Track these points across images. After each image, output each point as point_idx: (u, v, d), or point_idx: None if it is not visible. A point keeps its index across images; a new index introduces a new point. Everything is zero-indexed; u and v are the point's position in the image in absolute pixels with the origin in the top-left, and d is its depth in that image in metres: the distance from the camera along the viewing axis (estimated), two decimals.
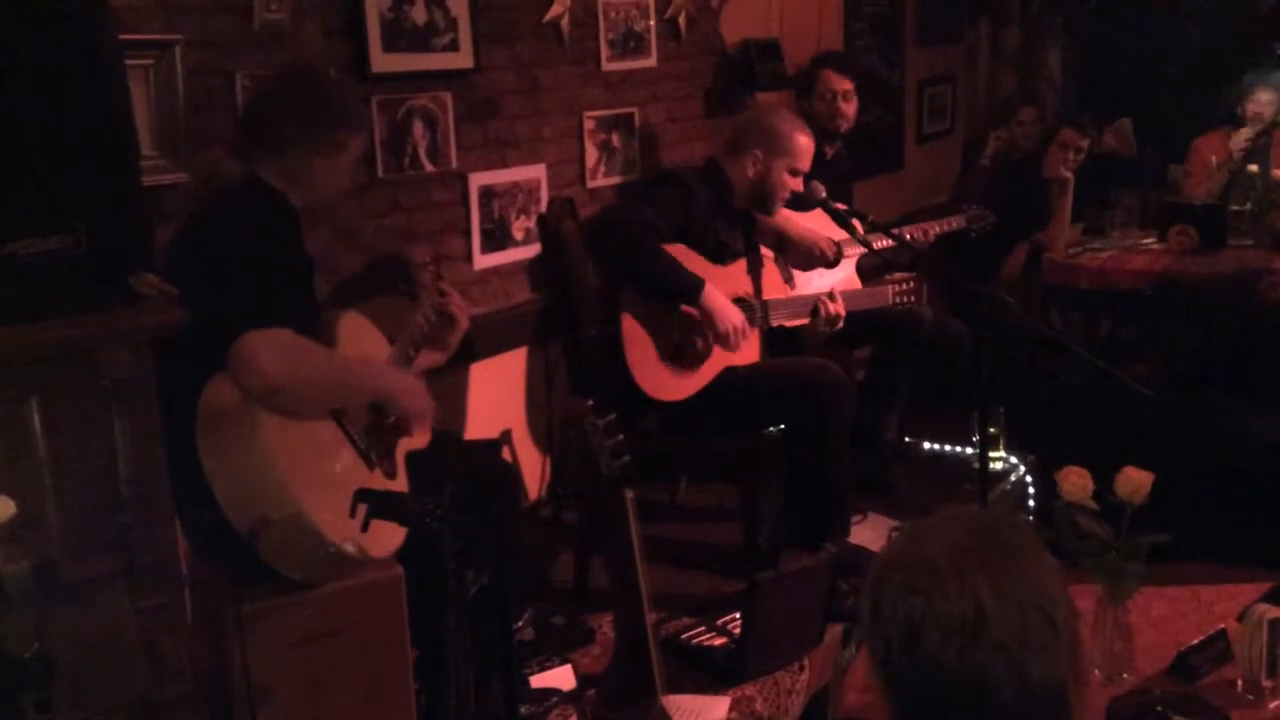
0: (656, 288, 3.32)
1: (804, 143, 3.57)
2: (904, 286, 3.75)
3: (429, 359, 2.83)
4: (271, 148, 2.53)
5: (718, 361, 3.40)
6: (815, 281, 3.85)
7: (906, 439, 4.35)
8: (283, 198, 2.55)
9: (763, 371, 3.45)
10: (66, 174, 1.99)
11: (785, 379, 3.38)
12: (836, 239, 3.88)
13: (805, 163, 3.58)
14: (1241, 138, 5.35)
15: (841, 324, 3.56)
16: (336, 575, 2.38)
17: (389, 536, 2.38)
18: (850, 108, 4.31)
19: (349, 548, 2.26)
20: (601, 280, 3.51)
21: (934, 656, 1.19)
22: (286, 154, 2.53)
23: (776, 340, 3.62)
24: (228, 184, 2.64)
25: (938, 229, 4.20)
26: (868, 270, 4.09)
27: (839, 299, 3.55)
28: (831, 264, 3.83)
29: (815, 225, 3.86)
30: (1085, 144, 5.14)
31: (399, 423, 2.61)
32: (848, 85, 4.29)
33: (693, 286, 3.30)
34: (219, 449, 2.26)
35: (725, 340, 3.33)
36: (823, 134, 4.23)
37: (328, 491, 2.29)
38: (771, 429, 3.50)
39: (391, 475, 2.54)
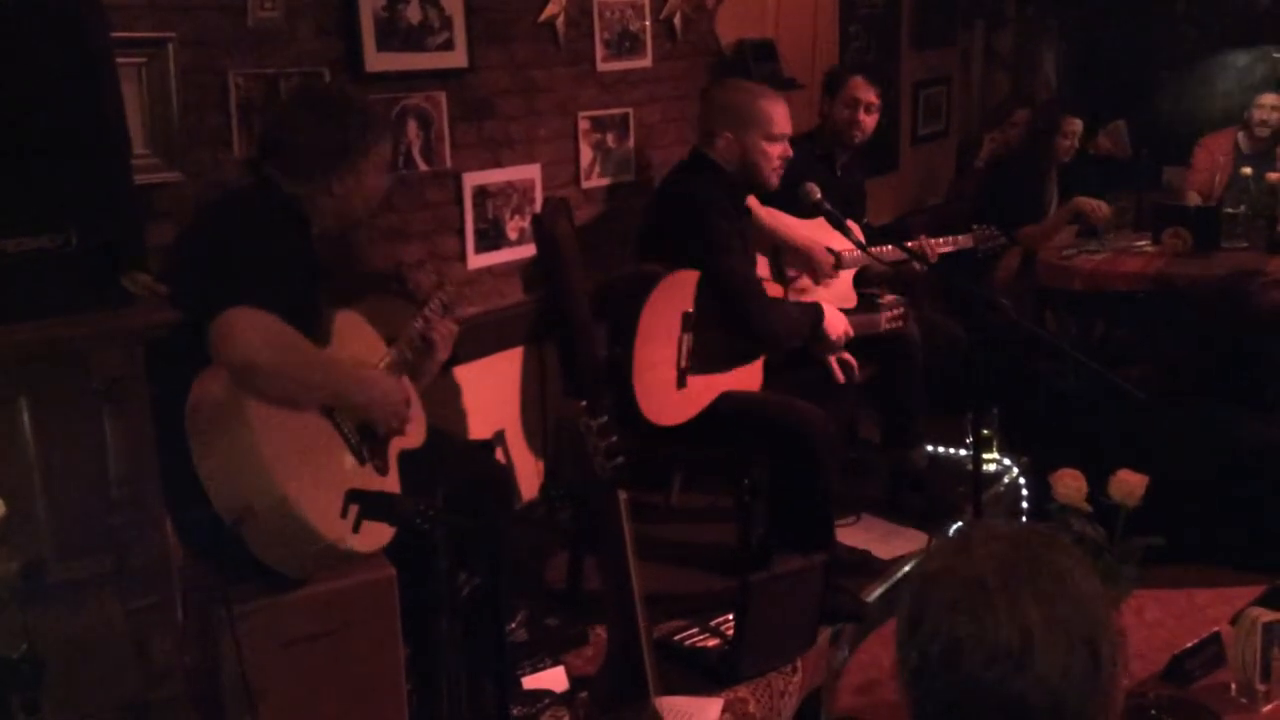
0: (798, 340, 3.52)
1: (770, 107, 3.46)
2: (895, 312, 3.76)
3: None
4: (292, 172, 2.54)
5: (718, 386, 3.38)
6: (812, 290, 3.83)
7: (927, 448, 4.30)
8: (294, 202, 2.54)
9: (757, 405, 3.41)
10: (58, 172, 1.98)
11: (776, 422, 3.32)
12: (836, 249, 3.87)
13: (780, 126, 3.47)
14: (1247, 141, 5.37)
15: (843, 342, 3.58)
16: (324, 569, 2.37)
17: (377, 533, 2.38)
18: (871, 121, 4.21)
19: (335, 541, 2.25)
20: (617, 304, 3.44)
21: (973, 678, 1.17)
22: (302, 180, 2.54)
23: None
24: (239, 184, 2.64)
25: (945, 248, 4.17)
26: (861, 276, 4.08)
27: (841, 319, 3.59)
28: (829, 276, 3.83)
29: (816, 234, 3.84)
30: (1079, 125, 5.31)
31: (383, 434, 2.60)
32: (874, 99, 4.19)
33: (816, 319, 3.51)
34: (207, 437, 2.26)
35: (838, 371, 3.59)
36: (835, 142, 4.20)
37: (316, 484, 2.29)
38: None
39: (383, 472, 2.54)
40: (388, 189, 2.72)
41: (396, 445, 2.61)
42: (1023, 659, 1.16)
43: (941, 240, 4.17)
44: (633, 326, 3.24)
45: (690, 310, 3.33)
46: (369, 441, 2.52)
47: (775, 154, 3.48)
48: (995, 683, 1.16)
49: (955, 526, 3.65)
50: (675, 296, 3.31)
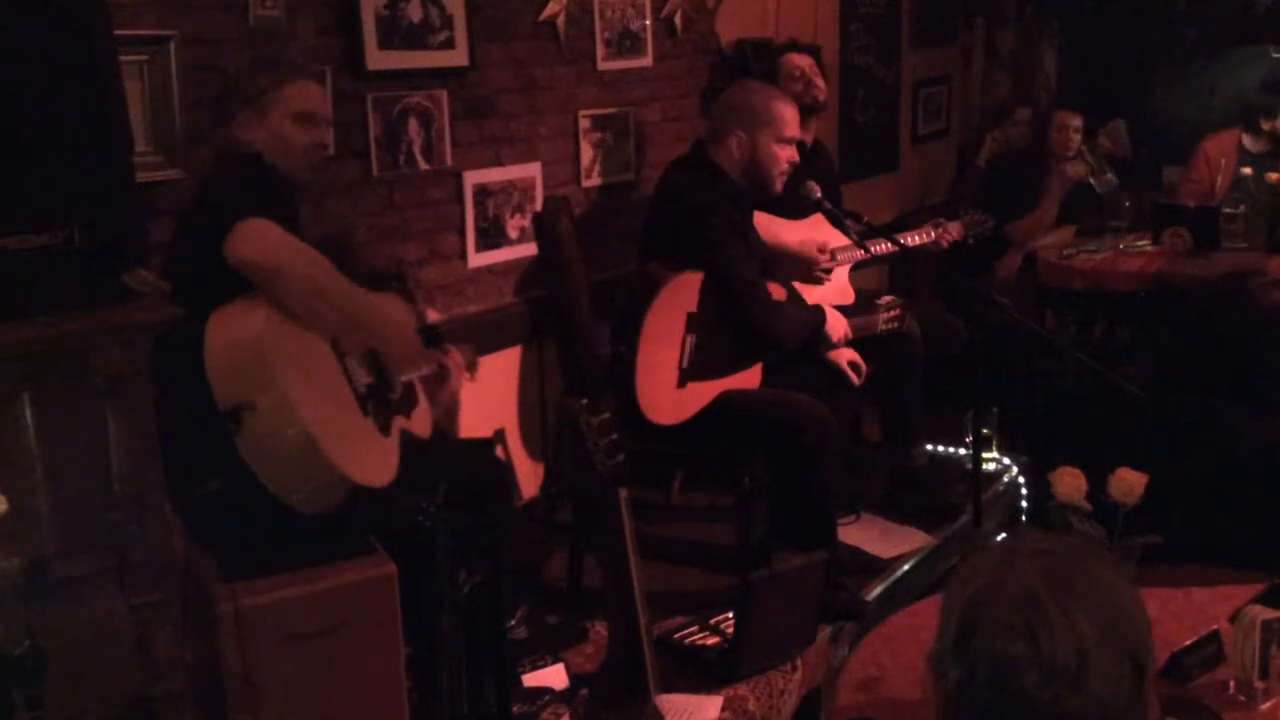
0: (800, 341, 3.51)
1: (783, 109, 3.49)
2: (891, 314, 3.74)
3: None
4: (229, 112, 2.61)
5: (717, 386, 3.39)
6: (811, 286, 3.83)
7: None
8: (270, 167, 2.56)
9: (755, 402, 3.41)
10: (60, 169, 1.98)
11: (773, 418, 3.33)
12: (832, 245, 3.86)
13: (791, 130, 3.49)
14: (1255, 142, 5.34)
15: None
16: (317, 491, 2.32)
17: (379, 466, 2.40)
18: (820, 80, 4.22)
19: (332, 456, 2.24)
20: (622, 304, 3.45)
21: (1025, 697, 1.15)
22: (231, 118, 2.59)
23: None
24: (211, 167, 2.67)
25: (924, 238, 4.16)
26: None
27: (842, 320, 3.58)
28: (825, 272, 3.82)
29: (813, 233, 3.84)
30: (1080, 121, 5.26)
31: (401, 399, 2.61)
32: (809, 60, 4.21)
33: (819, 322, 3.51)
34: (223, 339, 2.27)
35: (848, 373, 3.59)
36: (801, 111, 4.18)
37: (322, 403, 2.31)
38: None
39: (385, 432, 2.55)
40: (314, 144, 2.68)
41: (401, 421, 2.61)
42: (1079, 678, 1.15)
43: (926, 230, 4.16)
44: (638, 326, 3.24)
45: (695, 311, 3.34)
46: (374, 400, 2.54)
47: (784, 157, 3.48)
48: (1049, 703, 1.15)
49: (1001, 538, 3.64)
50: (681, 298, 3.32)
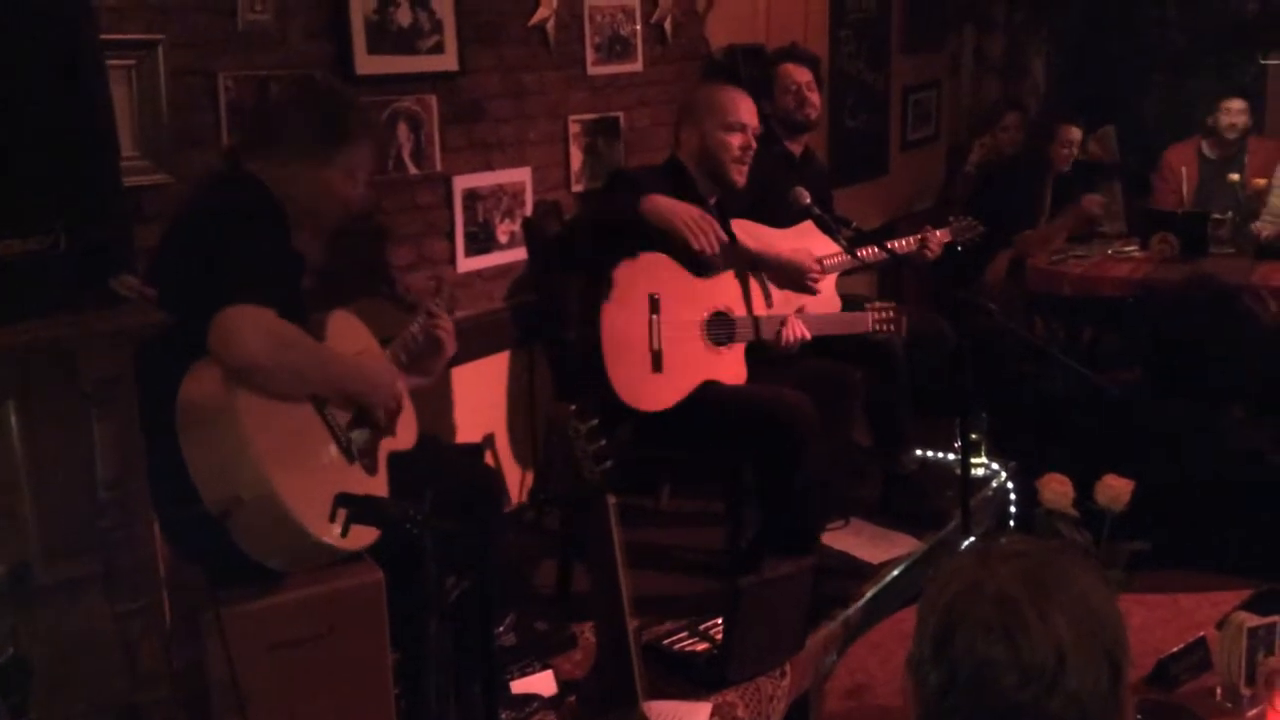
0: (605, 232, 3.27)
1: (725, 97, 3.47)
2: (884, 315, 3.65)
3: (412, 381, 2.80)
4: (264, 153, 2.53)
5: (699, 373, 3.37)
6: (794, 297, 3.81)
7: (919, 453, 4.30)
8: (268, 192, 2.52)
9: (740, 396, 3.38)
10: (46, 174, 1.98)
11: (755, 410, 3.29)
12: (818, 254, 3.86)
13: (738, 115, 3.45)
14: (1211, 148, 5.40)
15: (797, 346, 3.49)
16: (310, 564, 2.36)
17: (363, 530, 2.37)
18: (816, 97, 4.19)
19: (321, 537, 2.25)
20: (582, 285, 3.45)
21: (1004, 699, 1.16)
22: (271, 160, 2.51)
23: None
24: (214, 178, 2.63)
25: (924, 243, 4.14)
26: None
27: (798, 324, 3.49)
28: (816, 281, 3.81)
29: (800, 242, 3.83)
30: (1080, 134, 5.33)
31: (382, 421, 2.60)
32: (808, 76, 4.18)
33: (631, 203, 3.22)
34: (197, 431, 2.25)
35: (697, 237, 3.16)
36: (793, 127, 4.17)
37: (305, 479, 2.29)
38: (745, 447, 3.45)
39: (371, 472, 2.53)
40: (358, 199, 2.64)
41: (386, 446, 2.60)
42: (1056, 678, 1.15)
43: (918, 235, 4.15)
44: (596, 316, 3.24)
45: (656, 293, 3.32)
46: (359, 440, 2.52)
47: (735, 144, 3.45)
48: (1029, 703, 1.16)
49: (968, 542, 3.63)
50: (639, 279, 3.30)
